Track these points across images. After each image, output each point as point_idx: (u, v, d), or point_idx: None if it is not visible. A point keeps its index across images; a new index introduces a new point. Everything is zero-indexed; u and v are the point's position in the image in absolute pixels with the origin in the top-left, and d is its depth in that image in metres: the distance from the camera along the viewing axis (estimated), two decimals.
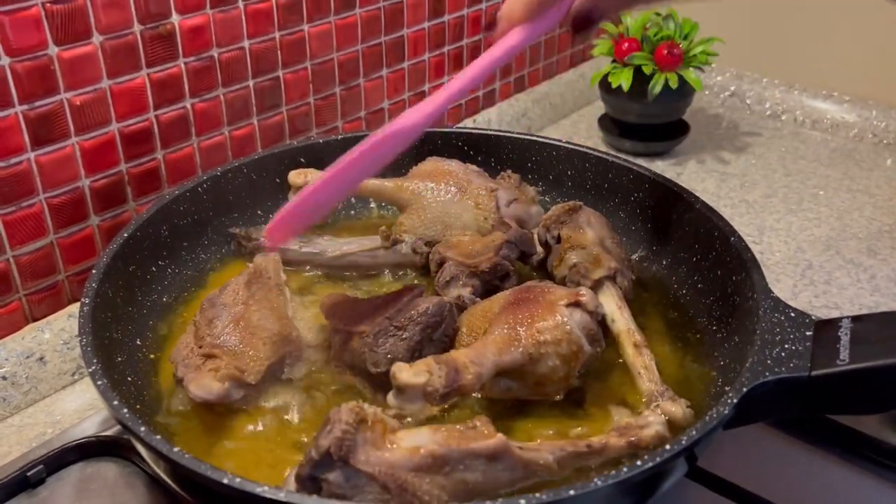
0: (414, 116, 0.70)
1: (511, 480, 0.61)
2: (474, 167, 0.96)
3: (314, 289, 0.88)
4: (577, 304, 0.72)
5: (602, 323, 0.76)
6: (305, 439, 0.69)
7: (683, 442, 0.58)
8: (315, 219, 0.77)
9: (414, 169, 0.95)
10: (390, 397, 0.64)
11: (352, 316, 0.75)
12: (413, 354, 0.71)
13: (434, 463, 0.58)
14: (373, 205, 1.02)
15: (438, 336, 0.74)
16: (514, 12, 0.69)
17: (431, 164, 0.95)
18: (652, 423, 0.66)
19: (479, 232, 0.90)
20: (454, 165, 0.95)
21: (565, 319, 0.70)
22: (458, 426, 0.61)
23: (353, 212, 1.02)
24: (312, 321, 0.81)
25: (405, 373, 0.63)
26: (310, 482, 0.56)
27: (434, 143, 1.02)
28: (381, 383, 0.70)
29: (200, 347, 0.72)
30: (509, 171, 0.97)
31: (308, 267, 0.90)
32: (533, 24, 0.70)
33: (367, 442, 0.57)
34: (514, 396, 0.72)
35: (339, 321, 0.75)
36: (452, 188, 0.92)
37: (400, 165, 0.98)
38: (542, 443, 0.64)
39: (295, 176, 0.90)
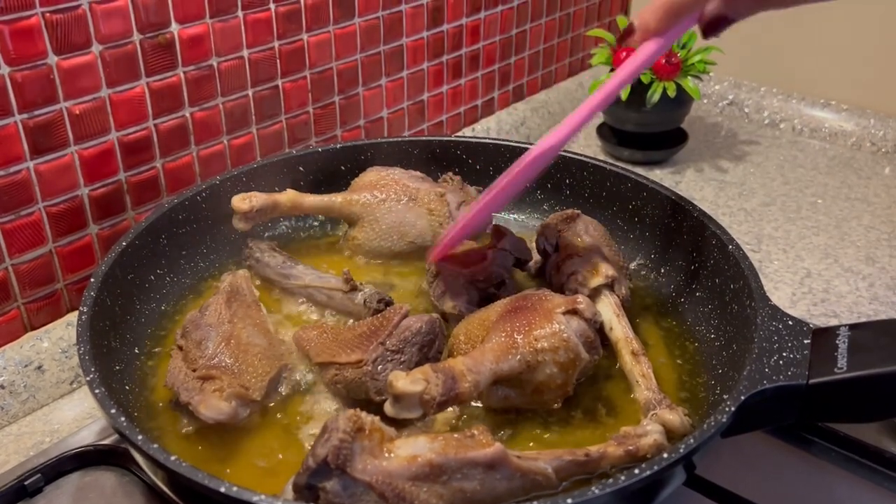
0: (557, 137, 0.76)
1: (509, 490, 0.61)
2: (417, 172, 0.96)
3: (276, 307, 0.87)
4: (574, 312, 0.72)
5: (600, 331, 0.76)
6: (307, 445, 0.69)
7: (681, 450, 0.58)
8: (473, 236, 0.86)
9: (356, 180, 0.95)
10: (387, 406, 0.64)
11: (337, 347, 0.74)
12: None
13: (432, 472, 0.57)
14: None
15: (433, 354, 0.74)
16: (650, 24, 0.70)
17: (374, 173, 0.94)
18: (650, 431, 0.66)
19: (434, 237, 0.90)
20: (398, 173, 0.94)
21: (562, 327, 0.70)
22: (455, 435, 0.61)
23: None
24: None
25: (402, 381, 0.63)
26: (307, 491, 0.56)
27: (433, 152, 1.03)
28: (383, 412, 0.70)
29: (194, 370, 0.71)
30: (450, 174, 0.98)
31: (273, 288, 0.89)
32: (668, 35, 0.71)
33: (365, 450, 0.57)
34: (513, 405, 0.72)
35: (324, 355, 0.74)
36: (403, 197, 0.92)
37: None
38: (541, 452, 0.64)
39: (239, 201, 0.87)
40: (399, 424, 0.64)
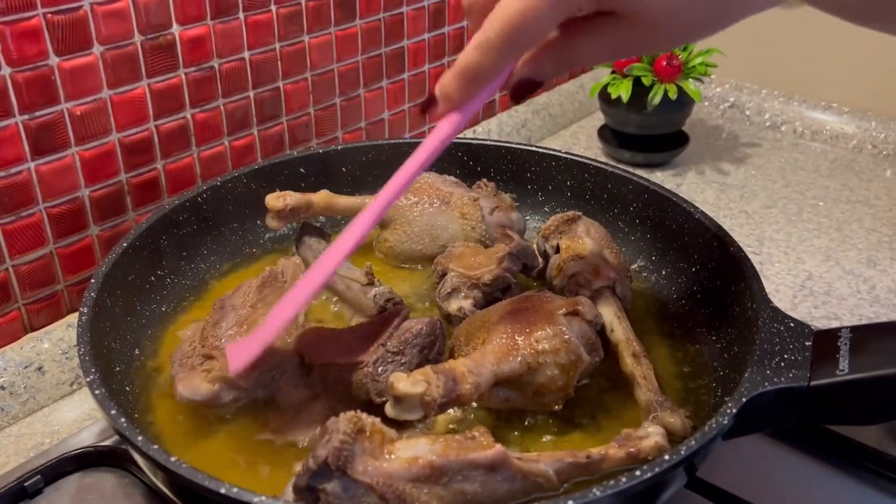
0: (353, 236, 0.64)
1: (510, 492, 0.60)
2: (451, 177, 0.96)
3: None
4: (575, 314, 0.72)
5: (601, 333, 0.76)
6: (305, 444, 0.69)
7: (682, 452, 0.58)
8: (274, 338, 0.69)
9: None
10: (388, 407, 0.63)
11: (337, 349, 0.73)
12: None
13: (432, 473, 0.57)
14: None
15: (434, 356, 0.73)
16: (451, 94, 0.60)
17: None
18: (651, 433, 0.66)
19: (467, 241, 0.90)
20: (432, 177, 0.95)
21: (563, 329, 0.70)
22: (456, 436, 0.61)
23: None
24: None
25: (403, 382, 0.62)
26: (308, 492, 0.56)
27: None
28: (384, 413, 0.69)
29: (203, 347, 0.72)
30: (485, 180, 0.98)
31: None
32: (469, 106, 0.61)
33: (366, 452, 0.56)
34: (514, 407, 0.72)
35: (326, 356, 0.73)
36: (436, 200, 0.92)
37: (376, 179, 0.99)
38: (542, 453, 0.63)
39: (273, 199, 0.88)
40: (400, 426, 0.64)
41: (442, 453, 0.58)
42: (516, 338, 0.70)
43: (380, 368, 0.70)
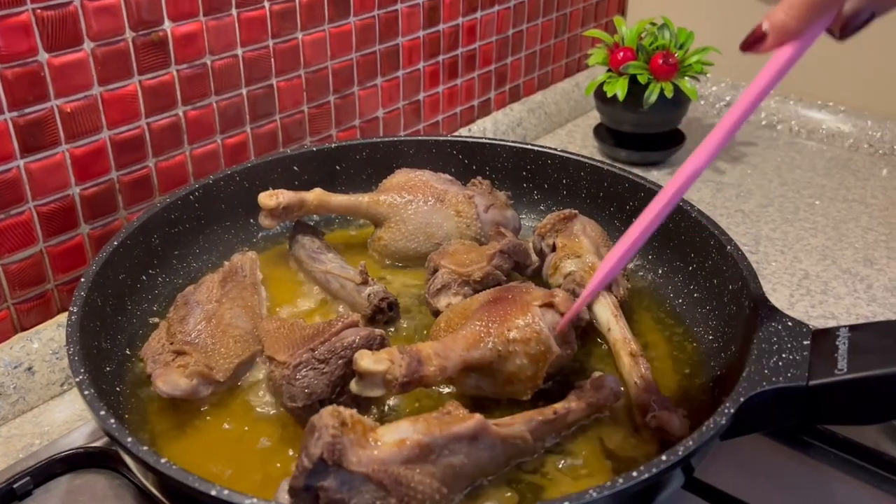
0: (695, 164, 0.67)
1: (493, 458, 0.62)
2: (446, 175, 0.96)
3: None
4: (550, 305, 0.71)
5: (589, 328, 0.76)
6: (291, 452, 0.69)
7: (680, 453, 0.57)
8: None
9: (385, 182, 0.95)
10: (353, 384, 0.64)
11: (283, 343, 0.72)
12: (334, 389, 0.68)
13: (421, 452, 0.58)
14: None
15: None
16: (788, 23, 0.58)
17: (403, 175, 0.94)
18: (605, 383, 0.69)
19: (462, 239, 0.90)
20: (427, 175, 0.94)
21: (536, 319, 0.70)
22: (433, 414, 0.62)
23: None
24: None
25: (366, 359, 0.63)
26: (305, 492, 0.55)
27: (429, 152, 1.02)
28: (301, 417, 0.68)
29: (172, 344, 0.72)
30: (479, 178, 0.98)
31: (297, 269, 0.91)
32: (807, 36, 0.59)
33: (354, 443, 0.57)
34: (485, 394, 0.72)
35: (271, 349, 0.72)
36: (431, 198, 0.92)
37: (370, 177, 1.00)
38: (514, 416, 0.65)
39: (266, 198, 0.88)
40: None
41: (426, 431, 0.59)
42: (490, 326, 0.70)
43: (299, 372, 0.68)
